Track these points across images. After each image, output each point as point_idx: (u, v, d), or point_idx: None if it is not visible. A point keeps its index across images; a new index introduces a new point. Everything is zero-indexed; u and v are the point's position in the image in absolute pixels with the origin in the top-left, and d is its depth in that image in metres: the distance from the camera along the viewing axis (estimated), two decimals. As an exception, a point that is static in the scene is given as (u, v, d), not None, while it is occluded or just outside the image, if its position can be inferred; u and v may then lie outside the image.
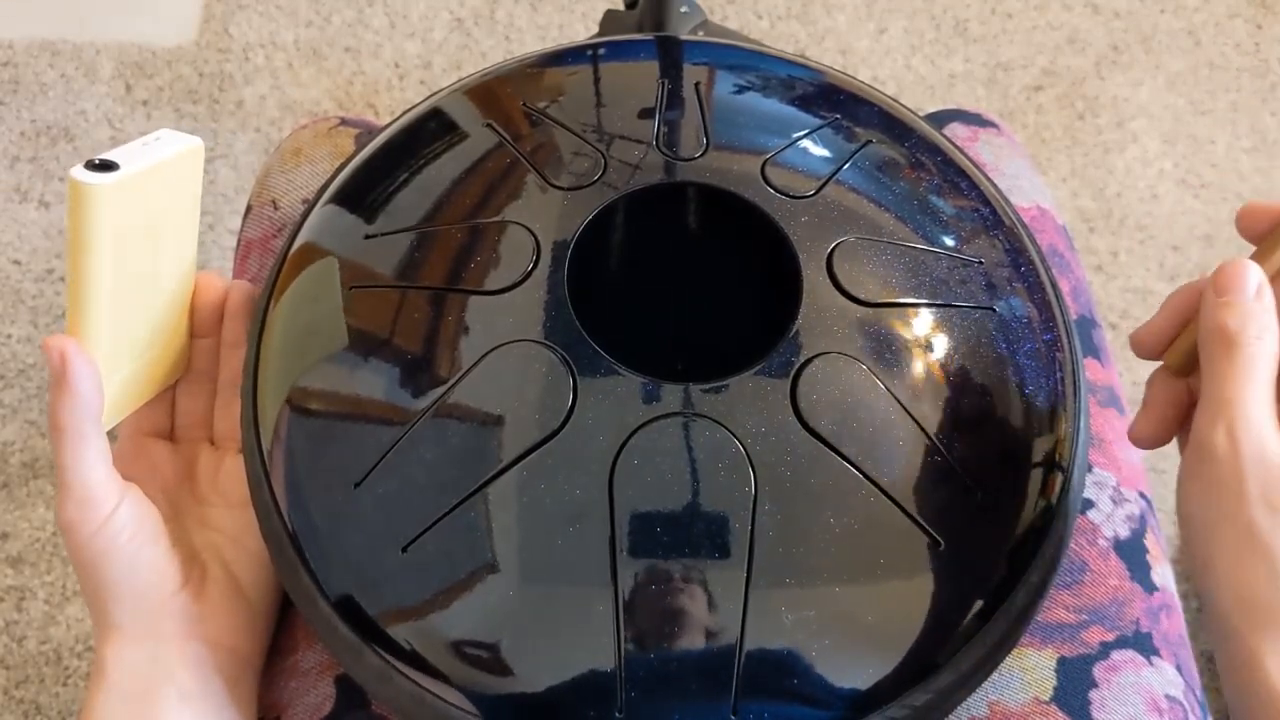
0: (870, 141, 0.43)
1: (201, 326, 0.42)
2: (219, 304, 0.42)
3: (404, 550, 0.34)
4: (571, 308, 0.37)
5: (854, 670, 0.33)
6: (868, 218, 0.40)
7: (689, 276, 0.44)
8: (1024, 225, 0.43)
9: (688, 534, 0.34)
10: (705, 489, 0.34)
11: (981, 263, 0.40)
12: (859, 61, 1.18)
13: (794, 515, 0.34)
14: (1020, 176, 0.55)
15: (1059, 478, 0.38)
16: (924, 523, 0.34)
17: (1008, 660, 0.41)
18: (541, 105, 0.43)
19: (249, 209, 0.53)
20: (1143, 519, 0.47)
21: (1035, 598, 0.37)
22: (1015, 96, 1.17)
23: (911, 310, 0.38)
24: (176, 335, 0.41)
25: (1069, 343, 0.41)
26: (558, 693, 0.33)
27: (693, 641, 0.33)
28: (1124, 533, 0.46)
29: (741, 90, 0.45)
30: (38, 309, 1.04)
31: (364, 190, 0.42)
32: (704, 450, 0.34)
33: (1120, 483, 0.47)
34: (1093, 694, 0.41)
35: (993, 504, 0.36)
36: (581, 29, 1.20)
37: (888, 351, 0.37)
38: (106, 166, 0.33)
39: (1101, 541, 0.45)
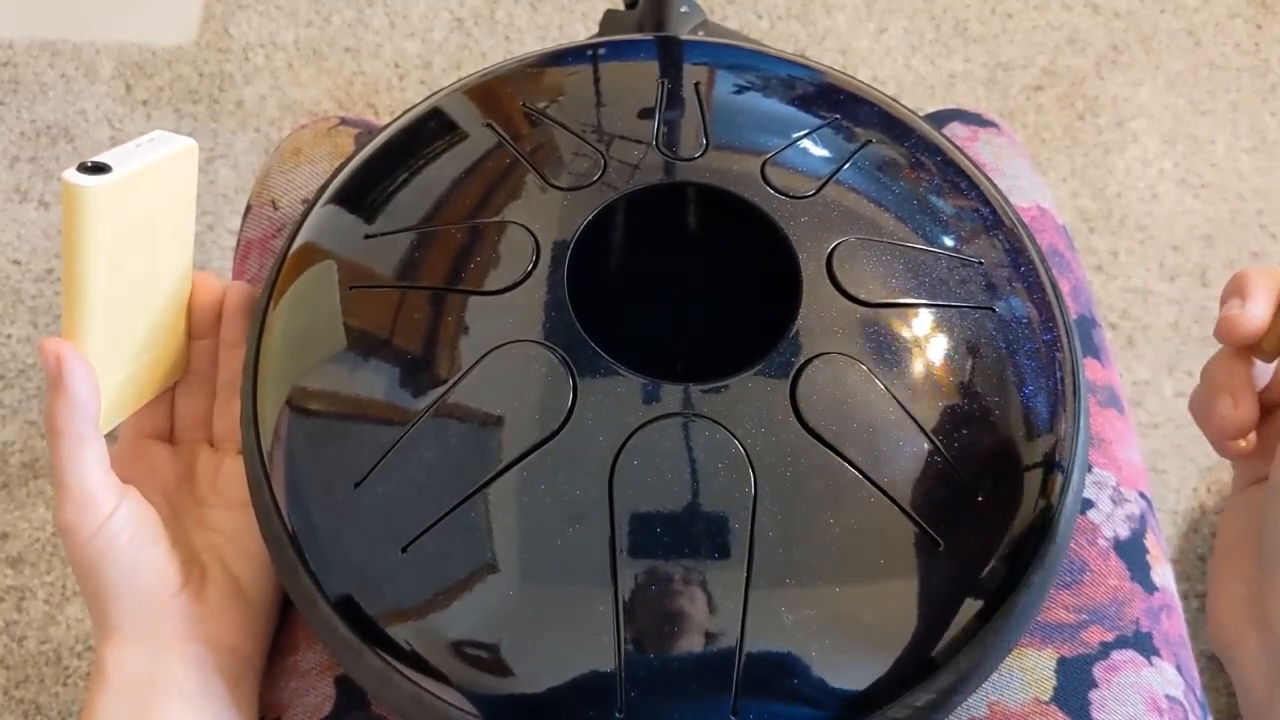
0: (870, 141, 0.43)
1: (199, 328, 0.42)
2: (216, 305, 0.42)
3: (404, 551, 0.34)
4: (571, 308, 0.37)
5: (854, 670, 0.33)
6: (868, 218, 0.40)
7: (689, 277, 0.44)
8: (1024, 225, 0.43)
9: (688, 534, 0.34)
10: (705, 489, 0.34)
11: (981, 263, 0.40)
12: (859, 61, 1.18)
13: (794, 515, 0.34)
14: (1020, 176, 0.55)
15: (1059, 478, 0.38)
16: (924, 523, 0.34)
17: (1007, 660, 0.41)
18: (541, 105, 0.43)
19: (248, 209, 0.53)
20: (1143, 519, 0.47)
21: (1035, 598, 0.37)
22: (1015, 96, 1.17)
23: (911, 310, 0.38)
24: (174, 337, 0.41)
25: (1069, 343, 0.41)
26: (558, 693, 0.33)
27: (693, 641, 0.33)
28: (1124, 533, 0.46)
29: (741, 90, 0.45)
30: (37, 309, 1.04)
31: (364, 190, 0.42)
32: (704, 450, 0.34)
33: (1120, 483, 0.47)
34: (1093, 694, 0.41)
35: (992, 504, 0.36)
36: (581, 29, 1.20)
37: (887, 352, 0.37)
38: (99, 168, 0.33)
39: (1101, 541, 0.45)
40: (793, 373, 0.36)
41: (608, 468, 0.34)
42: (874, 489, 0.34)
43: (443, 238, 0.39)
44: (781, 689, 0.33)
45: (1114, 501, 0.46)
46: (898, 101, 0.46)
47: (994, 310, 0.39)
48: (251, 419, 0.39)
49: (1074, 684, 0.41)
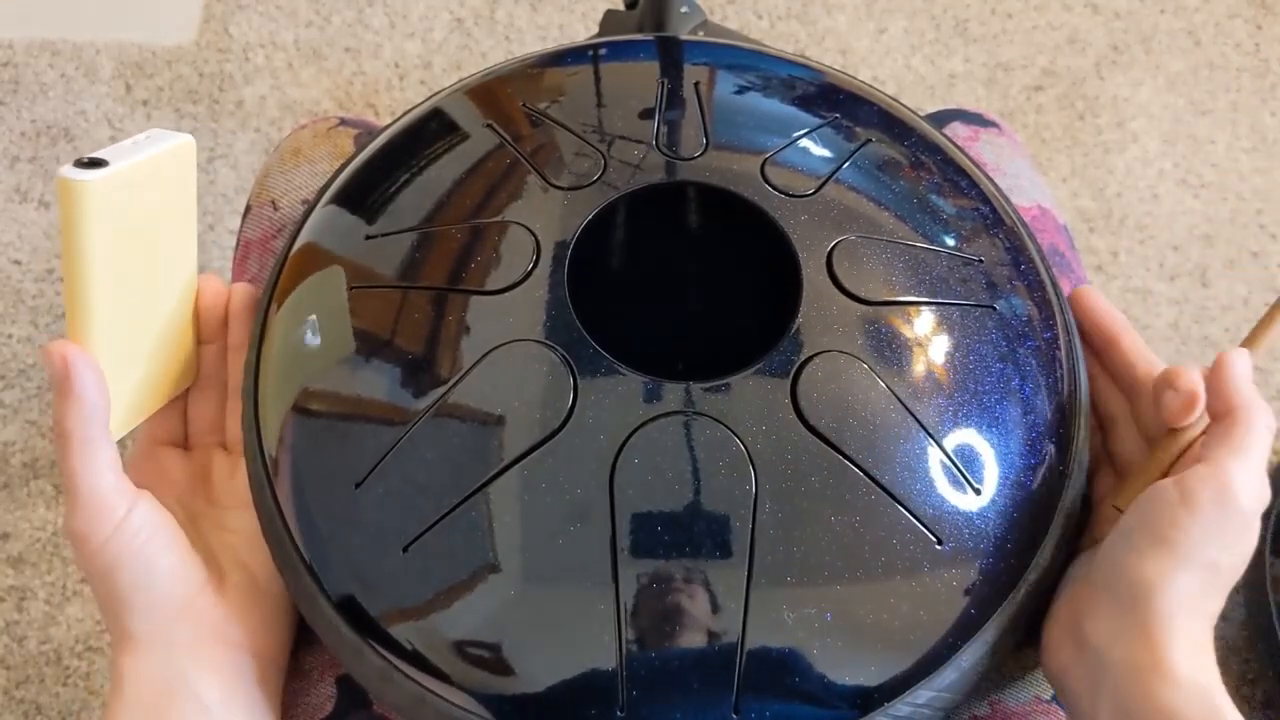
0: (870, 140, 0.43)
1: (207, 331, 0.41)
2: (222, 308, 0.42)
3: (405, 550, 0.34)
4: (571, 307, 0.37)
5: (855, 669, 0.33)
6: (868, 216, 0.40)
7: (689, 276, 0.44)
8: (1024, 224, 0.43)
9: (689, 533, 0.34)
10: (706, 488, 0.34)
11: (982, 261, 0.40)
12: (859, 61, 1.18)
13: (795, 514, 0.34)
14: (1021, 176, 0.55)
15: (1059, 476, 0.38)
16: (924, 521, 0.35)
17: (1008, 659, 0.41)
18: (542, 105, 0.43)
19: (248, 209, 0.53)
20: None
21: (1035, 597, 0.37)
22: (1015, 96, 1.17)
23: (912, 308, 0.38)
24: (183, 341, 0.41)
25: (1069, 341, 0.41)
26: (559, 692, 0.33)
27: (694, 640, 0.33)
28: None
29: (741, 90, 0.45)
30: (38, 309, 1.04)
31: (364, 191, 0.42)
32: (705, 449, 0.34)
33: (1120, 482, 0.47)
34: (1093, 693, 0.41)
35: (993, 503, 0.36)
36: (581, 29, 1.20)
37: (888, 350, 0.37)
38: (95, 164, 0.33)
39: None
40: (793, 371, 0.36)
41: (608, 466, 0.34)
42: (875, 487, 0.34)
43: (443, 238, 0.39)
44: (783, 687, 0.33)
45: (1114, 500, 0.46)
46: (898, 101, 0.46)
47: (994, 308, 0.39)
48: (253, 420, 0.39)
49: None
